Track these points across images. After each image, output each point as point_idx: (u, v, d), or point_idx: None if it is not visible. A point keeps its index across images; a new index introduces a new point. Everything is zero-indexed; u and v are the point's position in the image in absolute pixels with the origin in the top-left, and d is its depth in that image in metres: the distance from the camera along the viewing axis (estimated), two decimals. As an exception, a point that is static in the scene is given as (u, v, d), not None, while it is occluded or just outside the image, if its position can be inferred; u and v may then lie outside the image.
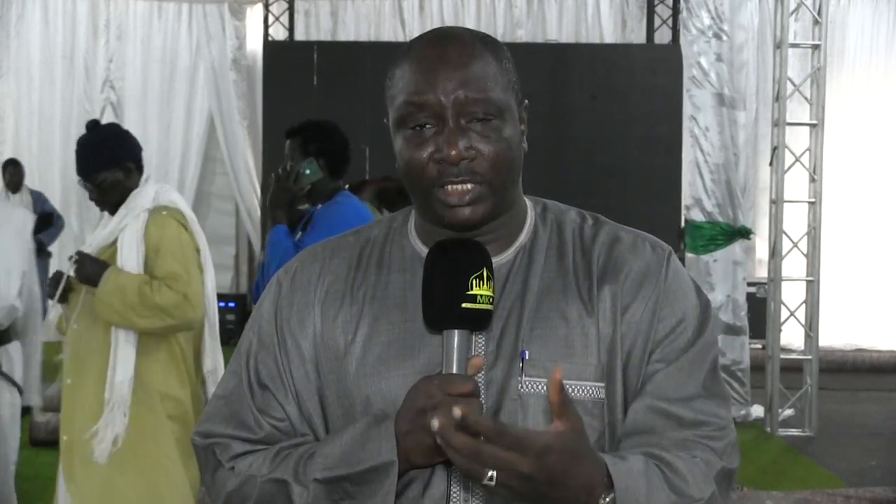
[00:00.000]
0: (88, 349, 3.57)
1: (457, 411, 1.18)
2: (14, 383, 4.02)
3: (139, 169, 3.67)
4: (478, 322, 1.35)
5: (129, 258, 3.51)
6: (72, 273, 3.60)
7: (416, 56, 1.40)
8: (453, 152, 1.35)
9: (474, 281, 1.34)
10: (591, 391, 1.40)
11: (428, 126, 1.38)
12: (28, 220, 4.11)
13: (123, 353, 3.50)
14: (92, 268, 3.53)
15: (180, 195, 3.80)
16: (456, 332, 1.34)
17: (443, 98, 1.36)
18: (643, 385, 1.42)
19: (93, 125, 3.74)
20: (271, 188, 3.90)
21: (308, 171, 3.80)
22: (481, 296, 1.34)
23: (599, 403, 1.40)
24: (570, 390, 1.38)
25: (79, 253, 3.62)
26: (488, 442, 1.19)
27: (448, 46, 1.39)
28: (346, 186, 4.07)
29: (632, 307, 1.42)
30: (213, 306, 3.68)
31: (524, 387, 1.38)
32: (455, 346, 1.33)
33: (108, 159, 3.59)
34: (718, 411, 1.43)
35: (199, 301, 3.49)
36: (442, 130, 1.37)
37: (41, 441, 6.03)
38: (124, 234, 3.54)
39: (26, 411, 4.26)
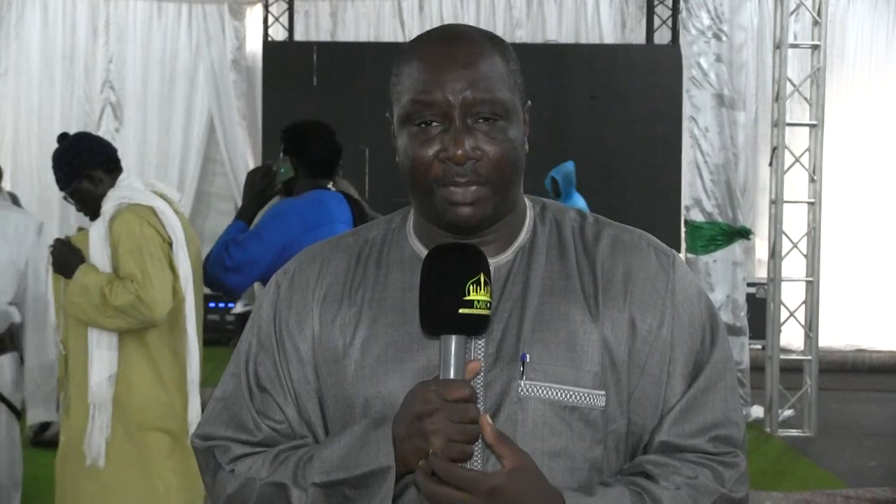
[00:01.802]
0: (76, 351, 3.56)
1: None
2: (10, 405, 3.93)
3: (111, 171, 3.63)
4: (475, 327, 1.34)
5: (97, 259, 3.51)
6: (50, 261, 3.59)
7: (425, 54, 1.39)
8: (459, 151, 1.34)
9: (471, 286, 1.33)
10: (588, 398, 1.39)
11: (434, 124, 1.37)
12: (27, 222, 4.08)
13: (98, 355, 3.48)
14: (67, 258, 3.52)
15: (152, 193, 3.68)
16: (453, 337, 1.33)
17: (451, 97, 1.35)
18: (662, 418, 1.41)
19: (60, 138, 3.72)
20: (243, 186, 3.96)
21: (282, 170, 3.86)
22: (478, 301, 1.33)
23: (597, 411, 1.39)
24: (567, 396, 1.38)
25: (57, 240, 3.59)
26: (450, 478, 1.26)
27: (457, 45, 1.38)
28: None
29: (644, 321, 1.42)
30: (189, 298, 3.58)
31: (524, 390, 1.38)
32: (452, 351, 1.33)
33: (72, 172, 3.60)
34: (734, 437, 1.44)
35: (155, 300, 3.40)
36: (448, 129, 1.36)
37: (41, 441, 6.02)
38: (92, 236, 3.54)
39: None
